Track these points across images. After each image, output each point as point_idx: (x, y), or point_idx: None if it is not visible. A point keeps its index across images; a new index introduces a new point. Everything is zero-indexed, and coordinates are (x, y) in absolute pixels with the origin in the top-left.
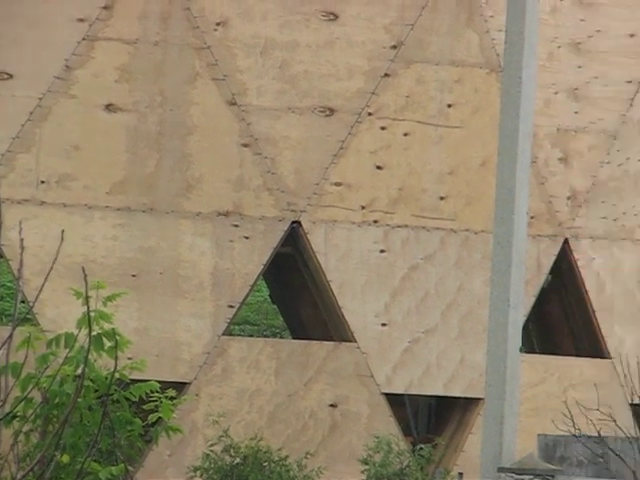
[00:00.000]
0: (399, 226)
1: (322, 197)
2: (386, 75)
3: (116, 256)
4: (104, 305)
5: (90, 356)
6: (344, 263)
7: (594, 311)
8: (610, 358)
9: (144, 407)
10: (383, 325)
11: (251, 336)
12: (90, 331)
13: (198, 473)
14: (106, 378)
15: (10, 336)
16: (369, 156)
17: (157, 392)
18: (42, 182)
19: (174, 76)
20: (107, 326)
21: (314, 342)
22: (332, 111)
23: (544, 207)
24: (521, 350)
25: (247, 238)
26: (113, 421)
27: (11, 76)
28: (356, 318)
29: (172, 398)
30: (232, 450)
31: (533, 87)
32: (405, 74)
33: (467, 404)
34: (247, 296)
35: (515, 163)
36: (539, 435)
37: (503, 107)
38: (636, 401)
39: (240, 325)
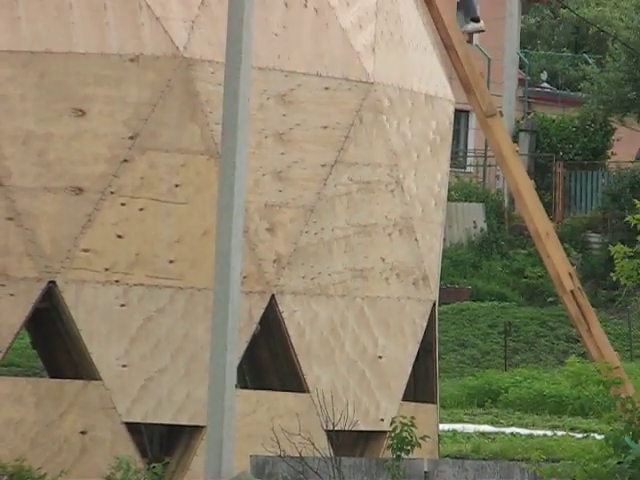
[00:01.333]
0: (136, 284)
1: (73, 261)
2: (125, 161)
3: None
4: None
5: None
6: (91, 316)
7: (296, 354)
8: (309, 392)
9: None
10: (124, 366)
11: (16, 376)
12: None
13: None
14: None
15: None
16: (111, 227)
17: None
18: None
19: None
20: None
21: (67, 381)
22: (81, 190)
23: (255, 269)
24: (236, 386)
25: (12, 295)
26: None
27: None
28: (101, 361)
29: None
30: (1, 469)
31: (244, 170)
32: (140, 160)
33: (192, 431)
34: (12, 343)
35: (230, 233)
36: (251, 456)
37: (220, 187)
38: (330, 427)
39: (7, 367)
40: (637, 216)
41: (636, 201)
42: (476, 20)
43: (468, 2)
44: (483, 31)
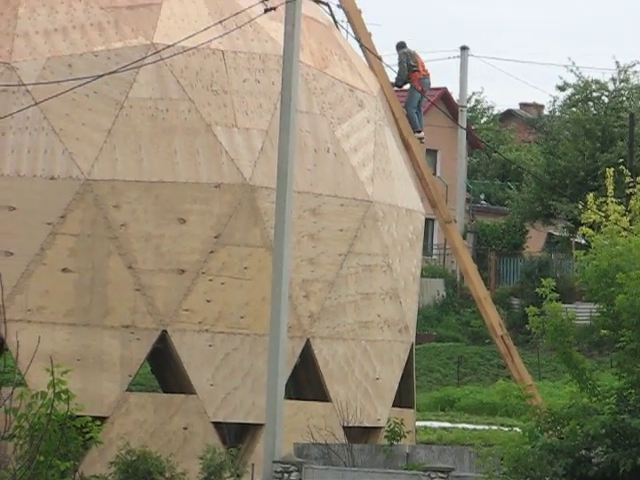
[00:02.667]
0: (219, 332)
1: (178, 317)
2: (211, 252)
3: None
4: (61, 375)
5: (54, 403)
6: (190, 352)
7: (323, 377)
8: (331, 402)
9: (83, 430)
10: (211, 385)
11: (141, 391)
12: (54, 389)
13: (113, 465)
14: (63, 415)
15: (12, 393)
16: (203, 295)
17: (89, 422)
18: None
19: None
20: (63, 387)
21: (174, 394)
22: (183, 271)
23: (296, 321)
24: (285, 398)
25: (138, 339)
26: (68, 438)
27: None
28: (197, 381)
29: (98, 425)
30: (131, 452)
31: (289, 258)
32: (222, 251)
33: (256, 427)
34: (139, 370)
35: (280, 299)
36: (294, 443)
37: (273, 269)
38: (345, 425)
39: (135, 385)
40: (543, 289)
41: (542, 279)
42: (419, 131)
43: (413, 121)
44: (422, 138)
